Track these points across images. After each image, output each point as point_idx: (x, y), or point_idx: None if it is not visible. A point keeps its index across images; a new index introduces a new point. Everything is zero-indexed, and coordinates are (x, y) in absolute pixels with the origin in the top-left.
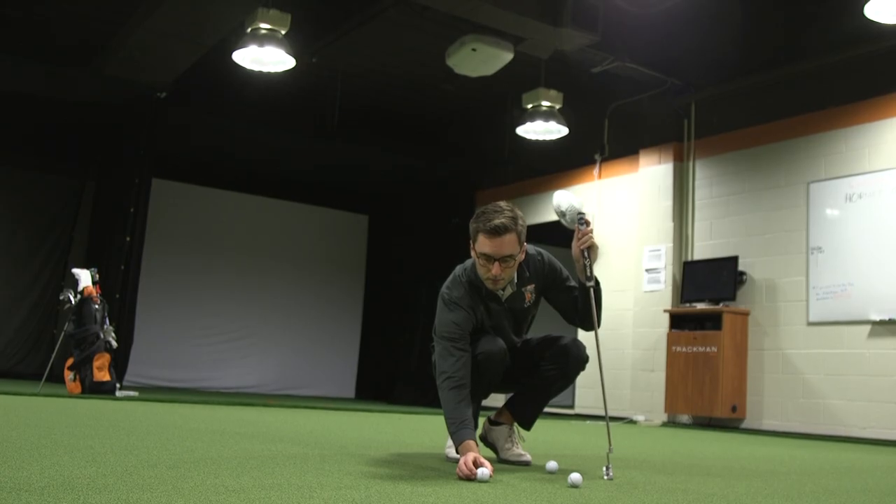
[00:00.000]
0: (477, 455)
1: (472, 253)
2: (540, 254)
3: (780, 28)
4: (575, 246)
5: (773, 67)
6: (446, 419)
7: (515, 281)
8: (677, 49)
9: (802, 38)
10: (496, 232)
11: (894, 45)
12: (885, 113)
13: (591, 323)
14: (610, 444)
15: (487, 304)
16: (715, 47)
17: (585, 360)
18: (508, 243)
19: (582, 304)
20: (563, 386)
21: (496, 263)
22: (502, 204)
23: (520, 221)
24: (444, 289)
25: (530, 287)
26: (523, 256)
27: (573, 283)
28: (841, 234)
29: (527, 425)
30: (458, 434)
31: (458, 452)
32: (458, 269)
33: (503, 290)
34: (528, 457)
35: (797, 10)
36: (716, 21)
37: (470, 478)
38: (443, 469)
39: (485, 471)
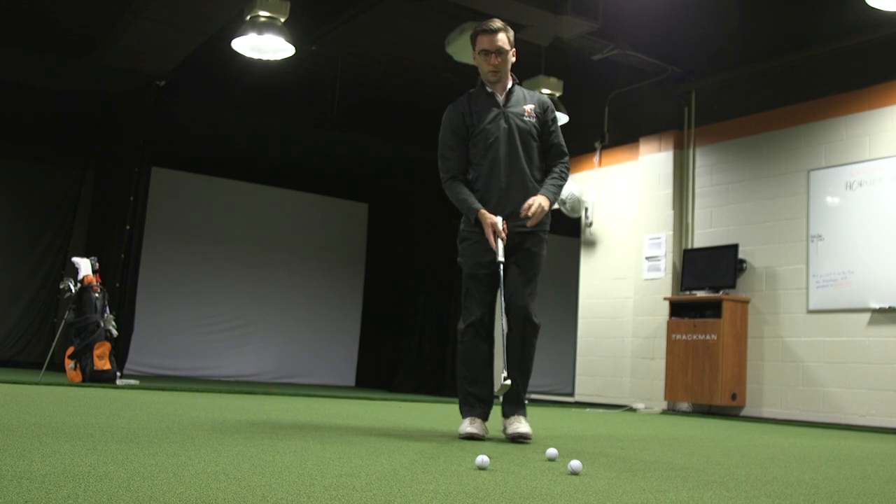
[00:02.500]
0: (495, 220)
1: (475, 59)
2: (547, 98)
3: (781, 16)
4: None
5: (773, 55)
6: (459, 208)
7: (510, 86)
8: (678, 37)
9: (803, 26)
10: (490, 30)
11: (895, 32)
12: (886, 101)
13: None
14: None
15: (485, 109)
16: (716, 35)
17: (531, 322)
18: (501, 40)
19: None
20: (524, 350)
21: (492, 55)
22: (495, 18)
23: (510, 29)
24: None
25: (530, 106)
26: (513, 59)
27: (561, 141)
28: (841, 221)
29: (521, 409)
30: (470, 212)
31: (475, 221)
32: None
33: (502, 92)
34: (523, 428)
35: None
36: (717, 9)
37: (497, 235)
38: (444, 457)
39: (484, 458)
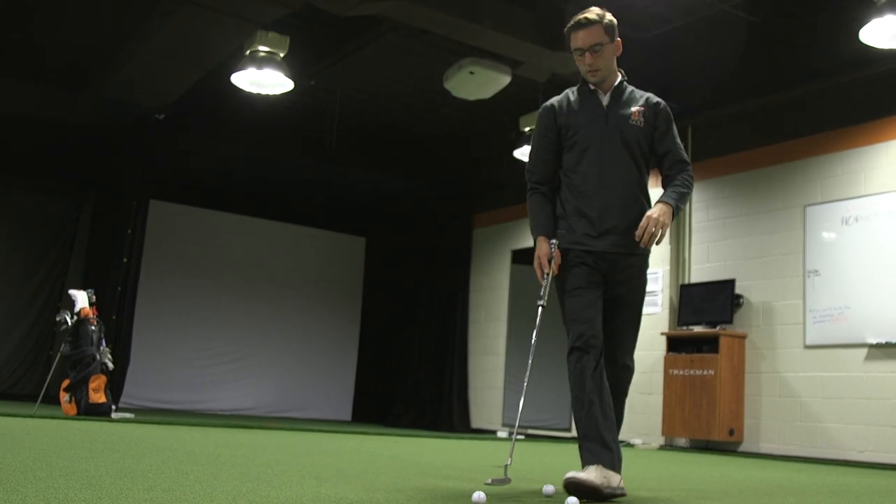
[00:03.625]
0: (546, 252)
1: (575, 58)
2: (659, 99)
3: (777, 52)
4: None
5: (769, 91)
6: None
7: (618, 81)
8: (674, 73)
9: (799, 62)
10: (580, 25)
11: (890, 69)
12: (881, 137)
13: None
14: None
15: (584, 109)
16: (712, 71)
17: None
18: (594, 33)
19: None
20: (617, 395)
21: (587, 53)
22: (592, 7)
23: (606, 17)
24: None
25: (639, 108)
26: (619, 51)
27: (678, 149)
28: (837, 257)
29: (615, 463)
30: (533, 230)
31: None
32: None
33: (608, 90)
34: (584, 475)
35: (793, 35)
36: (713, 45)
37: (542, 269)
38: (441, 493)
39: (481, 495)
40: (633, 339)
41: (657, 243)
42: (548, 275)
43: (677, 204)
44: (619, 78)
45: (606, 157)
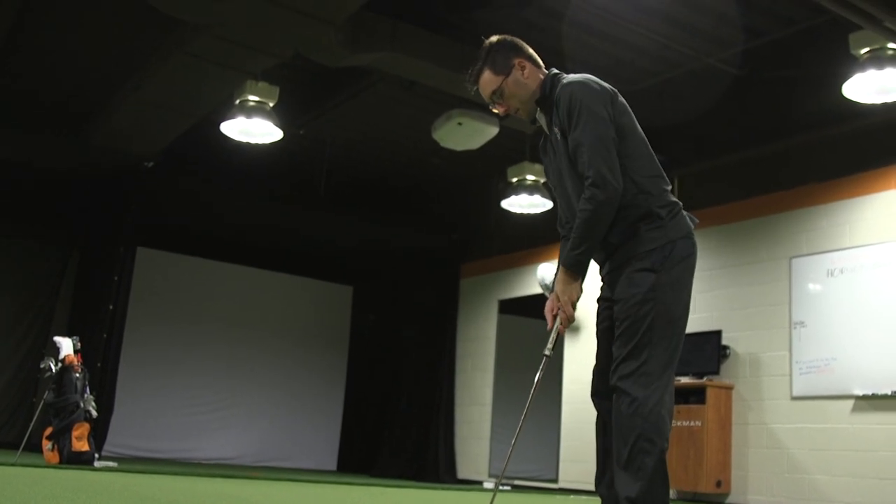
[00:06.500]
0: (553, 295)
1: None
2: (568, 84)
3: (762, 105)
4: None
5: (755, 144)
6: None
7: (540, 111)
8: (661, 125)
9: (784, 116)
10: (471, 82)
11: (872, 123)
12: (865, 189)
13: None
14: None
15: (542, 146)
16: (698, 124)
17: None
18: (486, 83)
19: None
20: (624, 467)
21: (495, 105)
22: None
23: (492, 53)
24: None
25: (556, 117)
26: (525, 77)
27: (581, 155)
28: (823, 308)
29: None
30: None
31: None
32: None
33: (533, 121)
34: None
35: (779, 88)
36: (699, 98)
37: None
38: None
39: None
40: (631, 375)
41: (568, 321)
42: (561, 322)
43: (569, 263)
44: (541, 92)
45: (557, 190)
